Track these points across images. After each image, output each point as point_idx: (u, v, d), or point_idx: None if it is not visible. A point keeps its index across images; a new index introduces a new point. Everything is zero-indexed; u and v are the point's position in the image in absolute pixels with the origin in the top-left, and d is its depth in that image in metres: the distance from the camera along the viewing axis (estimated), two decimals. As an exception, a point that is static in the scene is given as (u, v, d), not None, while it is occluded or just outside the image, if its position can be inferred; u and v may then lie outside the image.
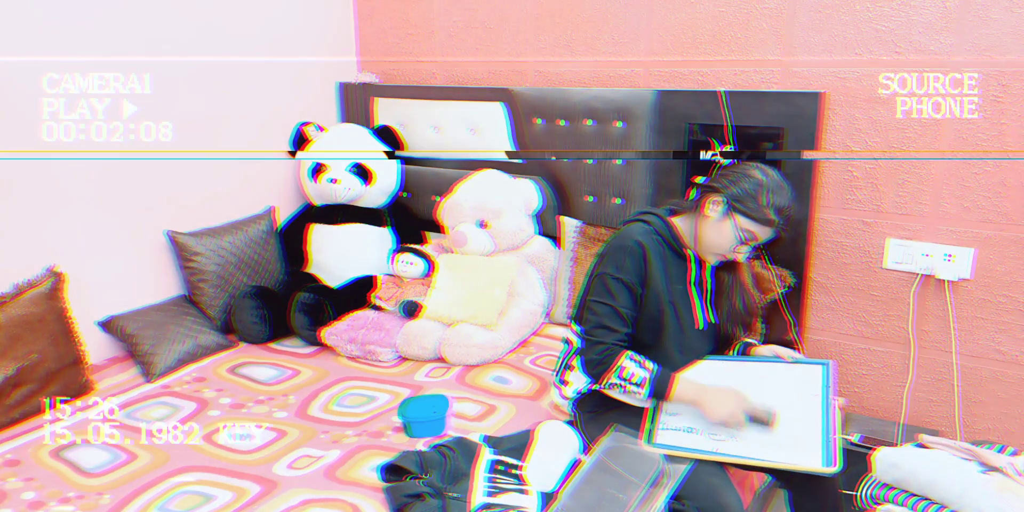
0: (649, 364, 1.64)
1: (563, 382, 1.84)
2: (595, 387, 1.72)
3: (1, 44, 2.01)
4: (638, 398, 1.67)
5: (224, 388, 2.16)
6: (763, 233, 1.64)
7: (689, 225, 1.72)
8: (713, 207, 1.65)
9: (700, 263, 1.74)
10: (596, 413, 1.78)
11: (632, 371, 1.62)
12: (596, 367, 1.65)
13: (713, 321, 1.77)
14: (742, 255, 1.69)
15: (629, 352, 1.65)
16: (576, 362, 1.79)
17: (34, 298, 2.03)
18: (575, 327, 1.81)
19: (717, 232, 1.65)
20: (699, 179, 2.35)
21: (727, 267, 1.77)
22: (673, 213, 1.77)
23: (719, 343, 1.82)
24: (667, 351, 1.70)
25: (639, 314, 1.69)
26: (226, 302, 2.49)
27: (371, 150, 2.74)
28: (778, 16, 2.22)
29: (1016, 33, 1.95)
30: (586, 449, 1.70)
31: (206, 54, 2.52)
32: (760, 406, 1.59)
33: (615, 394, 1.71)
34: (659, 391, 1.62)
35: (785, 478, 1.68)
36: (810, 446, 1.55)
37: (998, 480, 1.51)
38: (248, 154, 2.71)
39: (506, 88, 2.64)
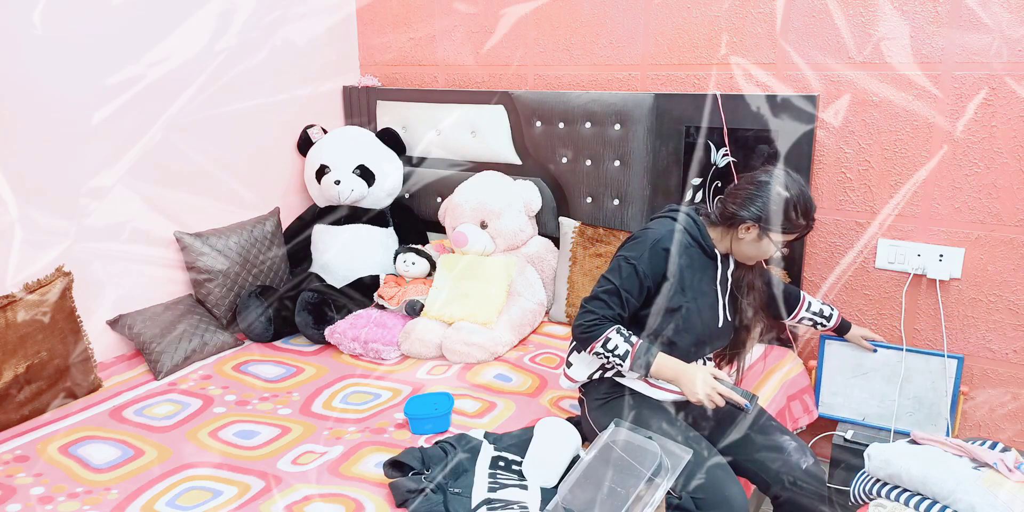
0: (635, 340, 1.66)
1: (569, 364, 1.83)
2: (580, 351, 1.75)
3: (27, 52, 2.05)
4: (619, 369, 1.72)
5: (229, 385, 2.19)
6: (798, 235, 1.70)
7: (719, 234, 1.73)
8: (746, 232, 1.68)
9: (725, 263, 1.76)
10: (604, 400, 1.77)
11: (616, 344, 1.64)
12: (584, 333, 1.67)
13: (729, 319, 1.79)
14: (778, 254, 1.74)
15: (618, 326, 1.67)
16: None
17: (43, 297, 2.05)
18: None
19: (756, 248, 1.69)
20: (695, 181, 2.39)
21: (746, 266, 1.80)
22: (699, 212, 1.78)
23: (734, 339, 1.84)
24: (682, 344, 1.70)
25: (647, 307, 1.70)
26: (232, 301, 2.51)
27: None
28: (772, 20, 2.24)
29: (1005, 37, 1.97)
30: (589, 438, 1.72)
31: (217, 61, 2.55)
32: (737, 391, 1.61)
33: (599, 359, 1.74)
34: (639, 365, 1.64)
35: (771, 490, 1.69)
36: None
37: (990, 476, 1.52)
38: (257, 155, 2.75)
39: (506, 91, 2.67)
